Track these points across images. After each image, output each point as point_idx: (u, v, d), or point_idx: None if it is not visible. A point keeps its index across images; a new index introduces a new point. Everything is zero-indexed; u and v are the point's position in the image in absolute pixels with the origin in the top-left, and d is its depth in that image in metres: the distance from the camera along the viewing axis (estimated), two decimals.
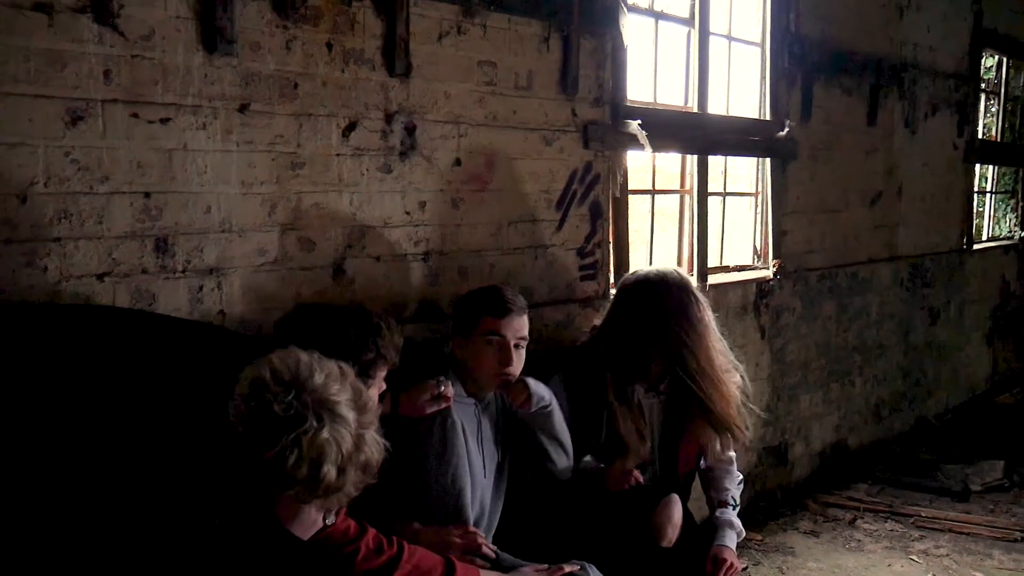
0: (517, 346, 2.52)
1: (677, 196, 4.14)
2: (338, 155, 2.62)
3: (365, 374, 2.09)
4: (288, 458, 1.59)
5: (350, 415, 1.68)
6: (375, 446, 1.73)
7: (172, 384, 2.06)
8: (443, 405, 2.42)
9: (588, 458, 2.86)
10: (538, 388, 2.53)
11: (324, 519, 1.76)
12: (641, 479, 2.75)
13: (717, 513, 2.92)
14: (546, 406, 2.56)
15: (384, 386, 2.22)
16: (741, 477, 3.06)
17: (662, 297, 2.81)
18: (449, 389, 2.43)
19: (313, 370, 1.68)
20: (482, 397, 2.59)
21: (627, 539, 2.65)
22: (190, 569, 1.68)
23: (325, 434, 1.63)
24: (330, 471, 1.63)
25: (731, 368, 2.91)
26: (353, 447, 1.67)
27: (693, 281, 2.91)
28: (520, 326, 2.53)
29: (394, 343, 2.22)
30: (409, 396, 2.41)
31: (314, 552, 1.74)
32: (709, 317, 2.86)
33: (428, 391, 2.41)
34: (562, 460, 2.68)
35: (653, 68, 3.84)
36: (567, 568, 2.36)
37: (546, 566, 2.37)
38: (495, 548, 2.48)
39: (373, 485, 2.10)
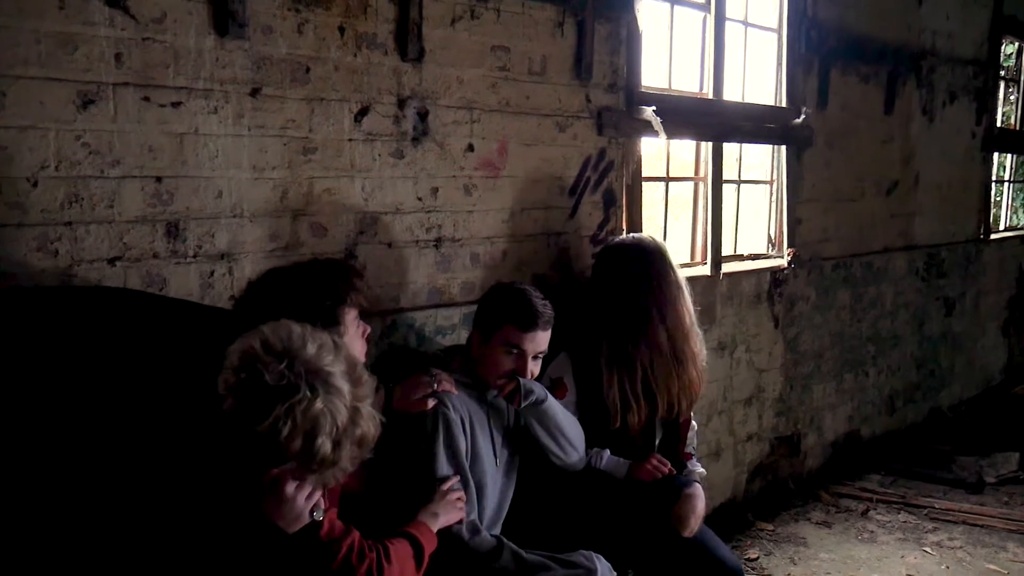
0: (535, 358, 2.49)
1: (691, 183, 4.11)
2: (350, 140, 2.60)
3: (332, 321, 2.01)
4: (281, 430, 1.55)
5: (344, 386, 1.64)
6: (371, 420, 1.68)
7: (148, 364, 1.98)
8: (433, 404, 2.36)
9: (607, 452, 2.84)
10: (528, 384, 2.49)
11: (311, 513, 1.72)
12: (674, 470, 2.78)
13: (689, 465, 3.03)
14: (538, 402, 2.52)
15: (368, 329, 2.15)
16: (695, 426, 3.17)
17: (647, 259, 2.92)
18: (444, 384, 2.39)
19: (306, 340, 1.64)
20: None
21: (647, 529, 2.63)
22: (171, 559, 1.65)
23: (319, 404, 1.58)
24: (325, 443, 1.58)
25: (697, 329, 3.03)
26: (348, 420, 1.63)
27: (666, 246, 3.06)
28: (542, 340, 2.48)
29: (356, 287, 2.12)
30: (403, 389, 2.36)
31: (297, 546, 1.70)
32: (682, 279, 2.98)
33: (422, 388, 2.36)
34: (569, 454, 2.65)
35: (668, 53, 3.80)
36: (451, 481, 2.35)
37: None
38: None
39: (372, 487, 2.06)
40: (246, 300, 2.08)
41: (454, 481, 2.35)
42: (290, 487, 1.66)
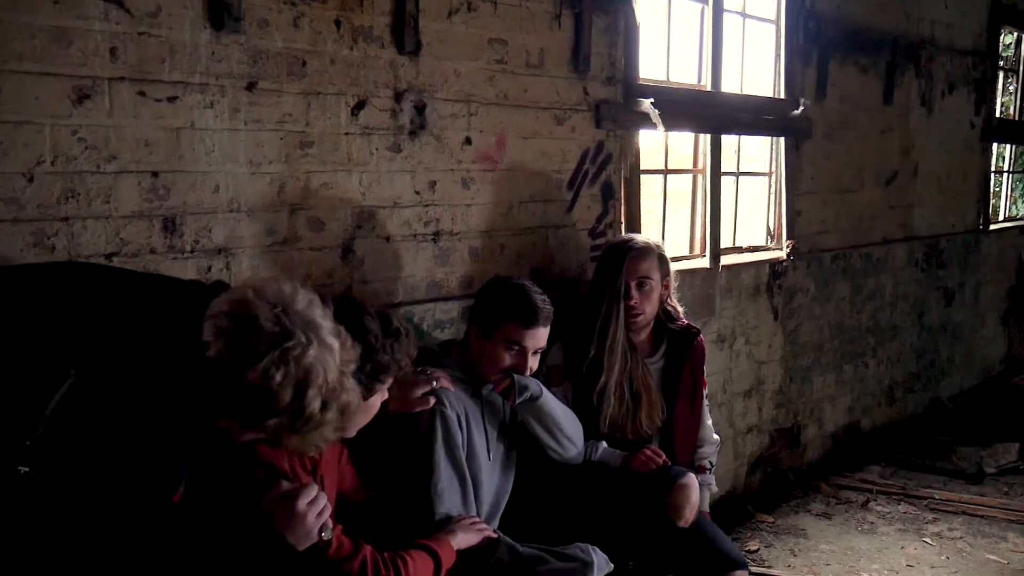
0: (535, 354, 2.50)
1: (690, 176, 4.10)
2: (347, 134, 2.59)
3: (376, 377, 2.02)
4: (274, 375, 1.45)
5: (335, 344, 1.58)
6: (353, 392, 1.63)
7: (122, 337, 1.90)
8: (432, 403, 2.34)
9: (603, 443, 2.84)
10: (523, 380, 2.49)
11: (320, 533, 1.69)
12: (668, 461, 2.79)
13: (702, 478, 3.06)
14: (533, 398, 2.52)
15: (387, 395, 2.14)
16: (718, 440, 3.21)
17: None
18: (441, 381, 2.37)
19: (296, 294, 1.57)
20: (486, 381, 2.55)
21: (644, 520, 2.63)
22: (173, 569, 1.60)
23: (312, 353, 1.51)
24: (315, 399, 1.51)
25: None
26: (337, 380, 1.56)
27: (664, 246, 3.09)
28: (542, 336, 2.49)
29: (410, 353, 2.14)
30: (399, 390, 2.31)
31: (306, 565, 1.68)
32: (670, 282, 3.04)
33: (419, 387, 2.33)
34: (567, 449, 2.65)
35: (666, 45, 3.79)
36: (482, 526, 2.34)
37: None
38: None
39: (374, 493, 2.01)
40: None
41: (466, 518, 2.36)
42: (302, 502, 1.64)
